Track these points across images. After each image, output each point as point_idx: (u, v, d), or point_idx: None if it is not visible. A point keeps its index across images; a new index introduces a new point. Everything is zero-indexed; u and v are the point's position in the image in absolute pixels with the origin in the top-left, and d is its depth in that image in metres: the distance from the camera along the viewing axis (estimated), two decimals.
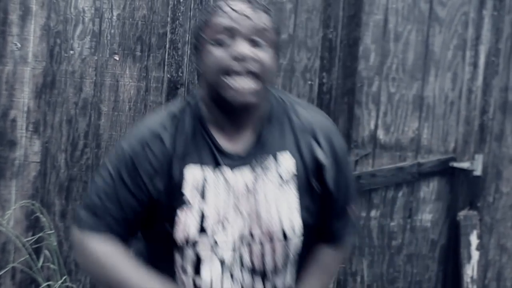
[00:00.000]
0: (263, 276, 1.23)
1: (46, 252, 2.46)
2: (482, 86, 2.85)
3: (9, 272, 2.48)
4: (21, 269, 2.48)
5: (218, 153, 1.21)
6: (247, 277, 1.23)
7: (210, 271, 1.20)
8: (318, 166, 1.24)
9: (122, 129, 2.54)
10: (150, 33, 2.57)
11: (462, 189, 2.85)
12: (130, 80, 2.56)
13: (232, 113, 1.20)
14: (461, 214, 2.84)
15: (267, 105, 1.25)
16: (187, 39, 2.54)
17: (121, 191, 1.20)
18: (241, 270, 1.22)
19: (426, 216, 2.85)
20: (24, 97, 2.49)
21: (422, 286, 2.87)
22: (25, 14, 2.47)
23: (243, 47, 1.15)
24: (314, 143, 1.24)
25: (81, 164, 2.54)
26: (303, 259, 1.30)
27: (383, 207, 2.81)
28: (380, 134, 2.79)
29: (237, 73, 1.15)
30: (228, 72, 1.16)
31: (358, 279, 2.81)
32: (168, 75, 2.55)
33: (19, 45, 2.47)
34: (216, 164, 1.20)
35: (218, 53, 1.17)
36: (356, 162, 2.76)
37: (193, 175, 1.19)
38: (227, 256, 1.20)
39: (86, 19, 2.52)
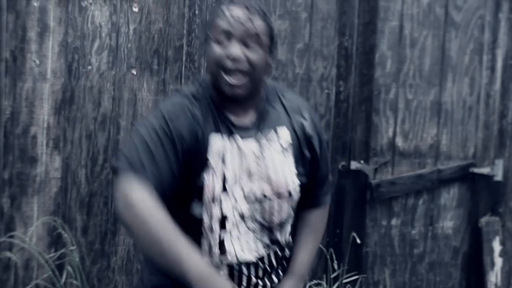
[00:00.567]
0: (270, 230, 1.46)
1: (69, 268, 2.46)
2: (501, 90, 2.84)
3: None
4: (45, 285, 2.49)
5: (231, 125, 1.43)
6: (258, 231, 1.45)
7: (232, 224, 1.41)
8: (306, 137, 1.51)
9: None
10: (166, 46, 2.57)
11: (483, 195, 2.83)
12: (148, 94, 2.57)
13: (229, 99, 1.42)
14: (483, 220, 2.81)
15: (265, 90, 1.50)
16: (203, 51, 2.54)
17: (159, 147, 1.34)
18: (254, 224, 1.44)
19: (448, 223, 2.82)
20: (44, 113, 2.50)
21: None
22: (43, 31, 2.48)
23: (236, 49, 1.38)
24: (301, 119, 1.51)
25: (101, 179, 2.54)
26: (295, 219, 1.55)
27: (403, 215, 2.79)
28: (399, 141, 2.77)
29: (230, 71, 1.38)
30: (224, 69, 1.38)
31: None
32: None
33: (38, 61, 2.48)
34: (230, 133, 1.43)
35: (217, 51, 1.39)
36: (376, 170, 2.74)
37: (216, 143, 1.41)
38: (245, 210, 1.42)
39: (103, 34, 2.53)
